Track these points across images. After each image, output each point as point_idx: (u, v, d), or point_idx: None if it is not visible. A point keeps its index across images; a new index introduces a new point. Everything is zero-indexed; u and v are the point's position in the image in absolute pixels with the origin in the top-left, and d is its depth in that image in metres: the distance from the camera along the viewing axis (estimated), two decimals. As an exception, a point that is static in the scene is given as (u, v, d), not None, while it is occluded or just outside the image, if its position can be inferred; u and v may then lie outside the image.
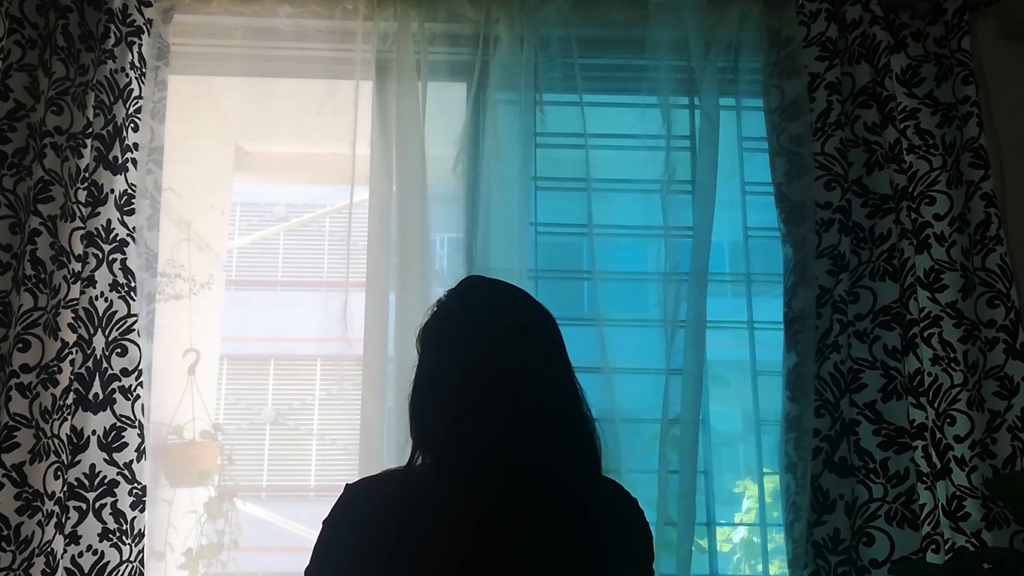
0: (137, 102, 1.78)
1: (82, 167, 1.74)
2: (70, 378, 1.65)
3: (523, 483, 1.07)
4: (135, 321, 1.69)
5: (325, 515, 1.11)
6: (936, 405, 1.76)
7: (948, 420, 1.75)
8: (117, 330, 1.67)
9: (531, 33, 1.91)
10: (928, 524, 1.67)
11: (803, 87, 1.85)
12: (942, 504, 1.71)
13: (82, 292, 1.66)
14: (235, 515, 2.01)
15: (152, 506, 1.76)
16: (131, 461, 1.64)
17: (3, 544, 1.60)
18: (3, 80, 1.79)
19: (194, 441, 1.99)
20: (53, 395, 1.65)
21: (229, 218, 2.26)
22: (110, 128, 1.72)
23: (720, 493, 1.85)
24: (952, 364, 1.77)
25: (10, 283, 1.74)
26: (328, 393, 2.39)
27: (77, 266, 1.69)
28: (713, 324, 1.80)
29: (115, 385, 1.65)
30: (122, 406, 1.65)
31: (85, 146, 1.75)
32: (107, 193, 1.70)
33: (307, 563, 1.08)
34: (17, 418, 1.64)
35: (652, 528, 1.17)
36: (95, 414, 1.62)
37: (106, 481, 1.61)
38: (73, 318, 1.66)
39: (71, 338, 1.66)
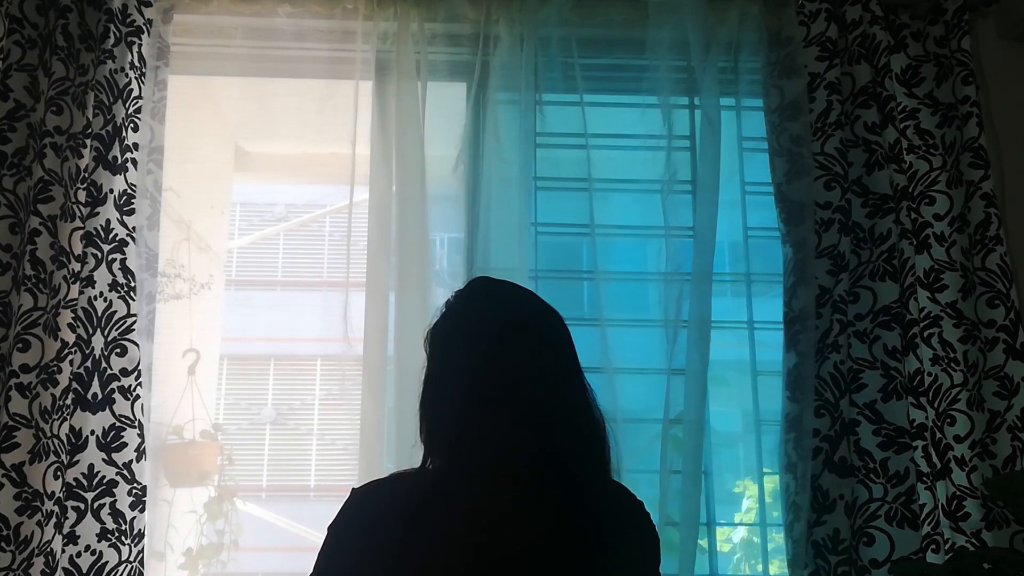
0: (137, 102, 1.77)
1: (82, 167, 1.74)
2: (69, 378, 1.64)
3: (530, 485, 1.07)
4: (134, 321, 1.69)
5: (328, 518, 1.10)
6: (936, 405, 1.76)
7: (948, 420, 1.75)
8: (116, 330, 1.67)
9: (531, 33, 1.91)
10: (928, 524, 1.67)
11: (803, 87, 1.85)
12: (942, 504, 1.71)
13: (81, 292, 1.65)
14: (235, 515, 2.02)
15: (152, 506, 1.76)
16: (130, 461, 1.64)
17: (3, 544, 1.60)
18: (3, 80, 1.79)
19: (194, 441, 1.99)
20: (53, 395, 1.65)
21: (229, 218, 2.26)
22: (109, 128, 1.72)
23: (720, 493, 1.85)
24: (952, 364, 1.77)
25: (10, 283, 1.74)
26: (328, 393, 2.39)
27: (77, 266, 1.69)
28: (713, 324, 1.80)
29: (114, 385, 1.65)
30: (121, 406, 1.65)
31: (85, 146, 1.75)
32: (106, 193, 1.69)
33: (311, 568, 1.07)
34: (17, 418, 1.64)
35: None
36: (94, 414, 1.62)
37: (105, 481, 1.61)
38: (73, 318, 1.66)
39: (71, 338, 1.66)
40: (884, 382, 1.69)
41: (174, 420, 1.97)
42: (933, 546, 1.66)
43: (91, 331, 1.64)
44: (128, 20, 1.79)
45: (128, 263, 1.71)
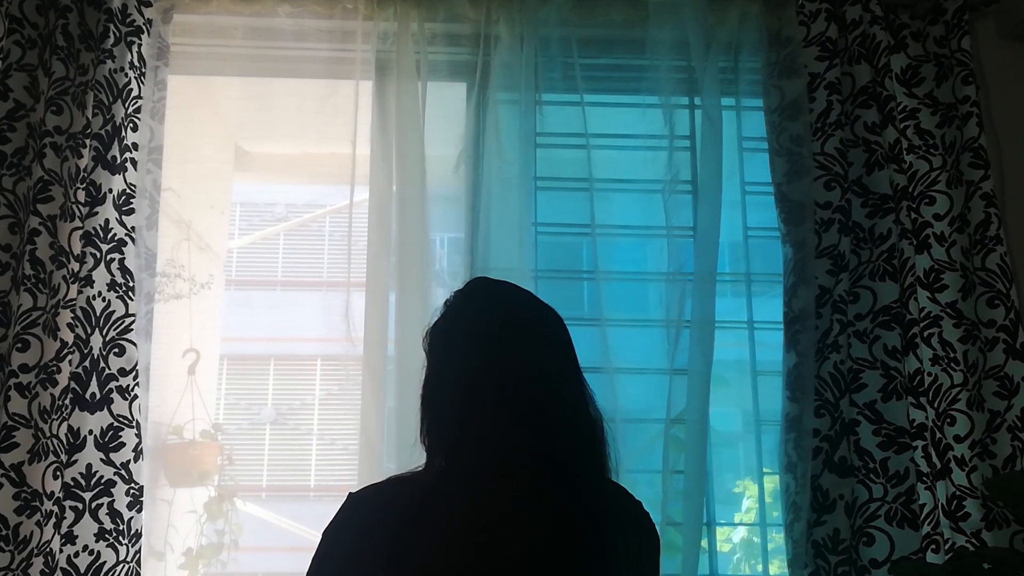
0: (136, 102, 1.77)
1: (81, 167, 1.74)
2: (68, 378, 1.64)
3: (530, 485, 1.07)
4: (133, 321, 1.69)
5: (328, 518, 1.10)
6: (936, 405, 1.75)
7: (948, 420, 1.75)
8: (115, 330, 1.67)
9: (531, 33, 1.91)
10: (928, 524, 1.67)
11: (803, 87, 1.85)
12: (942, 504, 1.71)
13: (80, 292, 1.65)
14: (235, 515, 2.01)
15: (152, 506, 1.76)
16: (128, 461, 1.64)
17: (2, 544, 1.60)
18: (3, 80, 1.79)
19: (194, 441, 1.99)
20: (52, 395, 1.65)
21: (229, 218, 2.26)
22: (109, 128, 1.72)
23: (720, 493, 1.85)
24: (952, 364, 1.77)
25: (9, 283, 1.74)
26: (328, 393, 2.39)
27: (76, 266, 1.68)
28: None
29: (112, 385, 1.65)
30: (119, 406, 1.65)
31: (84, 146, 1.75)
32: (105, 193, 1.69)
33: (306, 571, 1.07)
34: (16, 418, 1.64)
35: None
36: (92, 414, 1.62)
37: (103, 481, 1.61)
38: (72, 318, 1.65)
39: (70, 338, 1.66)
40: (884, 382, 1.69)
41: (174, 420, 1.97)
42: (933, 546, 1.66)
43: (90, 331, 1.64)
44: (128, 20, 1.79)
45: (127, 263, 1.71)
